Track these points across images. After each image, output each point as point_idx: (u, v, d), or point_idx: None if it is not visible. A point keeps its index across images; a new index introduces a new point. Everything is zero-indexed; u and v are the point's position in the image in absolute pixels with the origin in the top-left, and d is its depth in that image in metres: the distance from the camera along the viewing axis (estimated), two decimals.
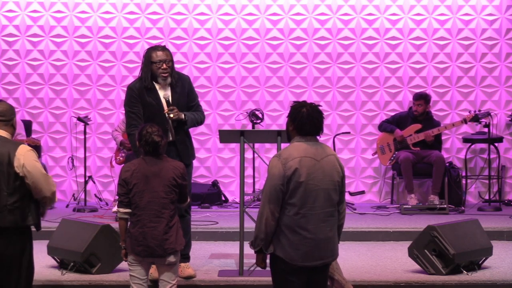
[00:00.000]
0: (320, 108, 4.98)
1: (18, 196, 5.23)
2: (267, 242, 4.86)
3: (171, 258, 5.66)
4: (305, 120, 4.89)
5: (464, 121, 10.05)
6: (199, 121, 7.03)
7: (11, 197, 5.22)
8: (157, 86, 6.81)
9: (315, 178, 4.82)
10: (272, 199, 4.80)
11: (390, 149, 10.18)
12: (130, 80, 10.51)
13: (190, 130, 7.07)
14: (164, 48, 6.83)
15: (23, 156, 5.26)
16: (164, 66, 6.74)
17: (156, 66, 6.76)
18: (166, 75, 6.77)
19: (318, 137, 4.99)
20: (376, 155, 10.44)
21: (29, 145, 9.43)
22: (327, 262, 4.93)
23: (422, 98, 10.03)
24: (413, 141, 10.03)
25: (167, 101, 6.75)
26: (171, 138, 6.77)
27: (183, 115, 6.78)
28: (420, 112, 10.02)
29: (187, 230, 6.83)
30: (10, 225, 5.23)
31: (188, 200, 5.87)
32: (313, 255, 4.83)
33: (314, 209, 4.82)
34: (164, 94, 6.78)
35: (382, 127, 10.28)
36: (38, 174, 5.27)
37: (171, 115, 6.71)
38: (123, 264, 6.65)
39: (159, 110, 6.77)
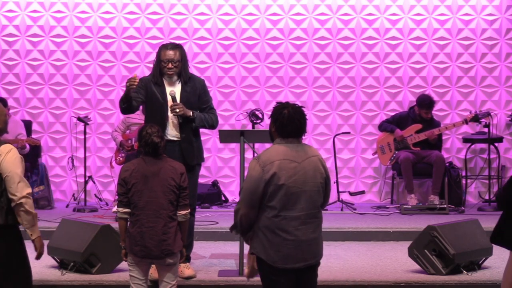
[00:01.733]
0: (303, 109, 4.94)
1: (1, 195, 5.17)
2: (244, 234, 4.91)
3: (169, 259, 5.66)
4: (286, 121, 4.86)
5: (465, 121, 10.04)
6: (210, 123, 7.00)
7: None
8: (165, 82, 6.87)
9: (296, 181, 4.78)
10: (247, 201, 4.80)
11: (390, 149, 10.18)
12: None
13: None
14: (174, 47, 6.89)
15: (5, 154, 5.17)
16: (170, 65, 6.82)
17: (162, 64, 6.83)
18: (171, 73, 6.83)
19: (303, 137, 4.97)
20: (376, 155, 10.44)
21: (29, 145, 9.50)
22: (310, 264, 4.88)
23: (432, 106, 9.99)
24: (413, 141, 10.03)
25: (173, 97, 6.77)
26: (177, 137, 6.79)
27: (190, 112, 6.80)
28: (429, 118, 10.01)
29: (190, 231, 6.81)
30: None
31: (188, 210, 5.76)
32: (295, 257, 4.80)
33: (294, 211, 4.79)
34: (171, 90, 6.81)
35: (382, 127, 10.28)
36: (13, 170, 5.14)
37: (177, 110, 6.72)
38: (123, 264, 6.65)
39: (162, 104, 6.80)
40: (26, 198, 5.16)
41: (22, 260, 5.31)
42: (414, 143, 10.03)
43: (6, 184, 5.16)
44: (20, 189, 5.15)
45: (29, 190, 5.20)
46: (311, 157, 4.87)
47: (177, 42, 10.55)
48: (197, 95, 6.94)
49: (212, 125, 7.06)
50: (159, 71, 6.88)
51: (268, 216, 4.79)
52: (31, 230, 5.21)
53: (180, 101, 6.83)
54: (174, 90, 6.83)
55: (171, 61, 6.81)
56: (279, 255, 4.78)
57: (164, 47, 6.90)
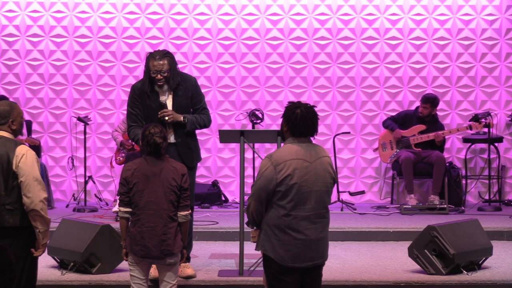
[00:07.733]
0: (315, 109, 4.95)
1: (16, 196, 5.18)
2: (258, 226, 4.97)
3: (169, 259, 5.66)
4: (299, 121, 4.87)
5: (469, 127, 10.02)
6: (202, 124, 6.97)
7: (8, 197, 5.18)
8: (157, 89, 6.83)
9: (307, 180, 4.81)
10: (257, 197, 4.85)
11: (391, 146, 10.18)
12: (130, 80, 10.53)
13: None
14: (162, 57, 6.77)
15: (23, 155, 5.20)
16: (159, 76, 6.75)
17: (151, 74, 6.78)
18: (161, 83, 6.79)
19: (314, 137, 4.98)
20: (377, 151, 10.42)
21: (28, 145, 9.50)
22: (318, 263, 4.92)
23: (429, 102, 10.01)
24: (416, 141, 10.04)
25: (163, 105, 6.75)
26: (173, 140, 6.78)
27: (181, 117, 6.78)
28: (425, 114, 10.03)
29: (189, 231, 6.81)
30: (10, 226, 5.18)
31: (189, 211, 5.78)
32: (303, 256, 4.83)
33: (305, 210, 4.81)
34: (161, 98, 6.78)
35: (386, 123, 10.28)
36: (30, 174, 5.15)
37: (166, 118, 6.70)
38: (123, 264, 6.66)
39: (157, 113, 6.77)
40: (42, 204, 5.15)
41: (33, 263, 5.33)
42: (416, 143, 10.04)
43: (22, 187, 5.15)
44: (37, 194, 5.13)
45: (45, 195, 5.18)
46: (321, 158, 4.90)
47: (178, 42, 10.71)
48: (189, 97, 6.90)
49: (205, 125, 7.04)
50: (150, 79, 6.81)
51: (279, 215, 4.82)
52: (44, 234, 5.20)
53: (173, 106, 6.81)
54: (165, 97, 6.80)
55: (160, 72, 6.73)
56: (288, 254, 4.81)
57: (152, 57, 6.78)
